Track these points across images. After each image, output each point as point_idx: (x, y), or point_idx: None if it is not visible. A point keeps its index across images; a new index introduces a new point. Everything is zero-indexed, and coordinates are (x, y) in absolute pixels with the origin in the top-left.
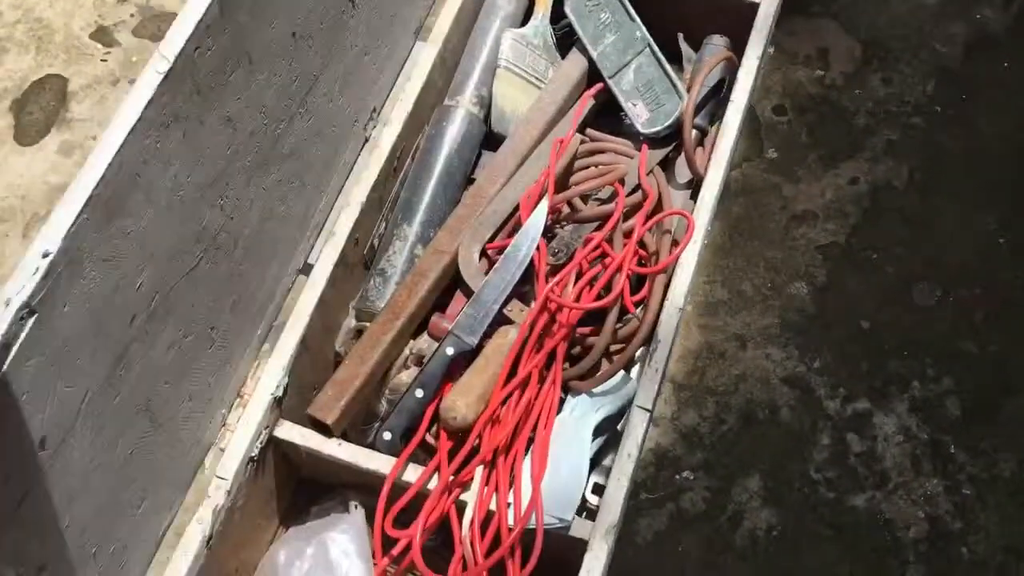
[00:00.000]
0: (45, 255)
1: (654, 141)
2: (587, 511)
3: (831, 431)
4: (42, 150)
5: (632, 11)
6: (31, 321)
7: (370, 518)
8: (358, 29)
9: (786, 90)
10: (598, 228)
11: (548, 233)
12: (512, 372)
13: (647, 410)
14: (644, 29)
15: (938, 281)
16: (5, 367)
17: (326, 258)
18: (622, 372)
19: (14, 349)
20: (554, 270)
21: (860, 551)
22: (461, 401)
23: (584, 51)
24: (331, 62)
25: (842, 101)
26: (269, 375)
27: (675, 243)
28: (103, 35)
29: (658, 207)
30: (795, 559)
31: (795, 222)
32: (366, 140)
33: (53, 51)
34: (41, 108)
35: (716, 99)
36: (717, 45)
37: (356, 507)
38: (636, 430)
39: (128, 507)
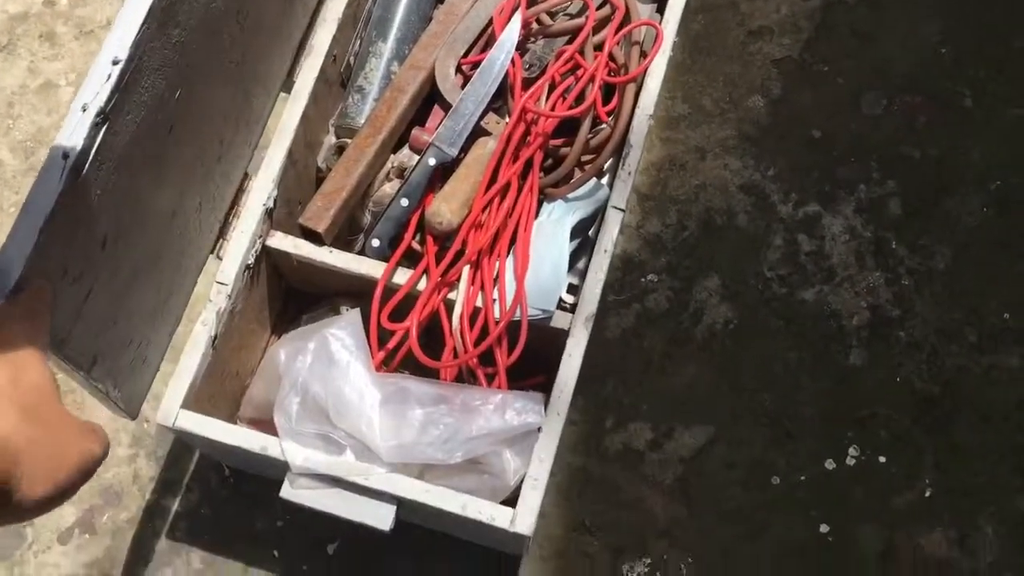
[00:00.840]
0: (115, 62)
1: None
2: (564, 308)
3: (784, 233)
4: None
5: None
6: (104, 128)
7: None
8: None
9: None
10: (569, 42)
11: (520, 48)
12: (492, 180)
13: (621, 209)
14: None
15: (884, 90)
16: (85, 171)
17: (307, 73)
18: (594, 179)
19: (91, 154)
20: (528, 83)
21: (808, 339)
22: (446, 207)
23: None
24: None
25: None
26: (260, 187)
27: (644, 54)
28: None
29: (626, 19)
30: (750, 348)
31: (752, 37)
32: None
33: None
34: None
35: None
36: None
37: (348, 310)
38: (611, 228)
39: (157, 303)
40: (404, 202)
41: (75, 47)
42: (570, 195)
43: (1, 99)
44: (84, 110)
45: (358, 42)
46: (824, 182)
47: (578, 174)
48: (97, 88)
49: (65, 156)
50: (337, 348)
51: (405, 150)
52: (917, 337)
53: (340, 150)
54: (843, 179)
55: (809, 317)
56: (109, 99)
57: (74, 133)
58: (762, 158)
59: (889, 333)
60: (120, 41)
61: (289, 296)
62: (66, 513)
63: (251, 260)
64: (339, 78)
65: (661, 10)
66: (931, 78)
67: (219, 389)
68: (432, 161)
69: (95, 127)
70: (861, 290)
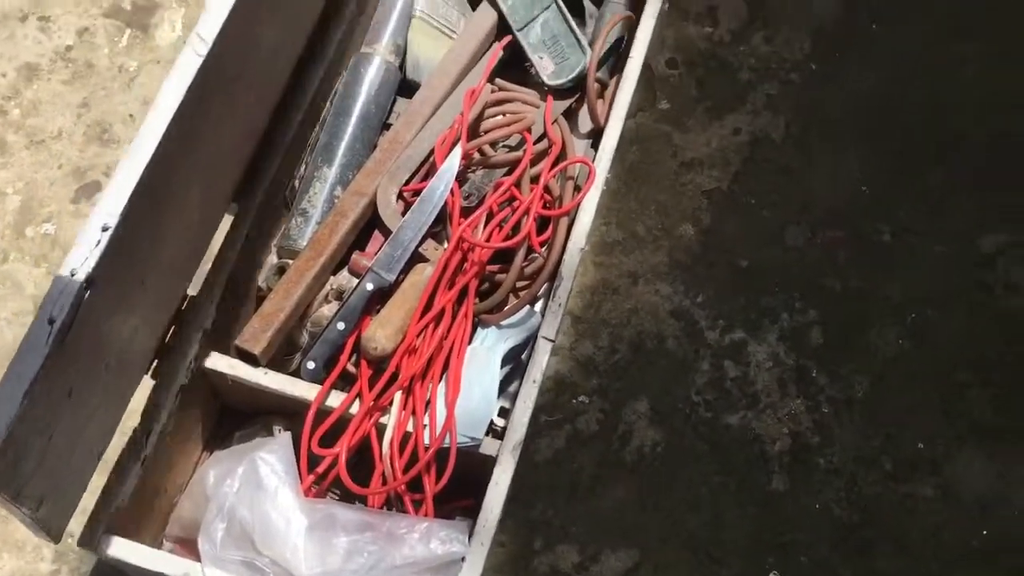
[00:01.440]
0: (104, 228)
1: (559, 92)
2: (494, 432)
3: (711, 358)
4: None
5: None
6: (88, 292)
7: (293, 443)
8: None
9: (678, 45)
10: (507, 173)
11: (460, 177)
12: (428, 306)
13: (550, 340)
14: None
15: (808, 224)
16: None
17: (252, 198)
18: (527, 306)
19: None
20: (466, 212)
21: (733, 463)
22: (381, 332)
23: (493, 4)
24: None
25: (728, 57)
26: (199, 310)
27: (577, 188)
28: None
29: (562, 155)
30: (677, 471)
31: (684, 168)
32: None
33: None
34: None
35: (616, 54)
36: (618, 3)
37: (280, 431)
38: (540, 358)
39: (97, 436)
40: (341, 325)
41: (25, 156)
42: (503, 322)
43: None
44: (73, 274)
45: (304, 166)
46: (750, 310)
47: (513, 300)
48: (86, 253)
49: (51, 320)
50: (266, 472)
51: (344, 273)
52: (836, 464)
53: (281, 271)
54: (768, 308)
55: (734, 442)
56: (98, 264)
57: (62, 296)
58: (692, 285)
59: (809, 459)
60: (110, 207)
61: (224, 413)
62: None
63: (185, 381)
64: (283, 200)
65: (596, 146)
66: (852, 214)
67: (146, 508)
68: (370, 286)
69: (83, 289)
70: (783, 416)
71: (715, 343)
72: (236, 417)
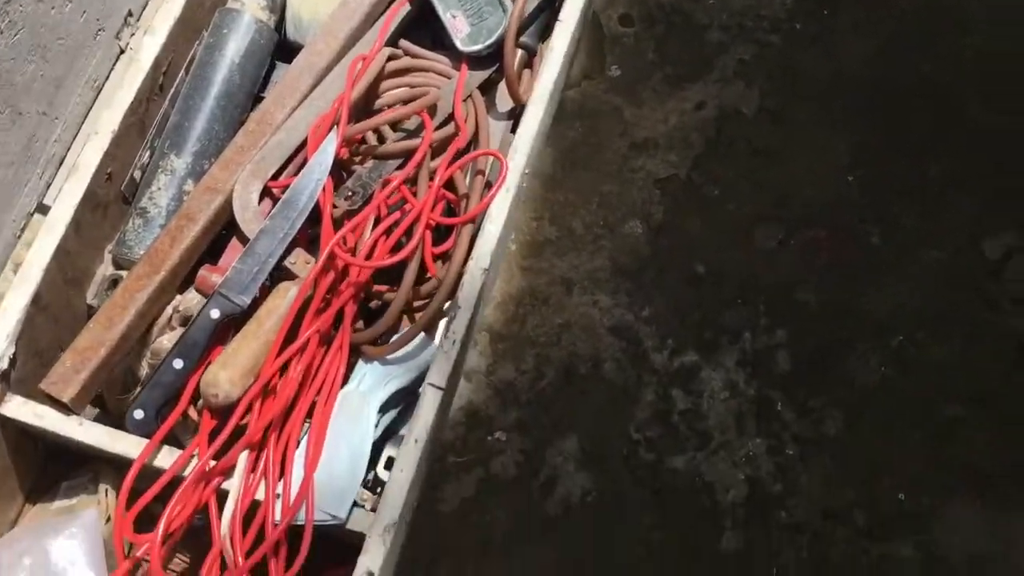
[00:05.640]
0: None
1: (476, 60)
2: (379, 484)
3: (656, 386)
4: None
5: None
6: None
7: None
8: None
9: None
10: (402, 166)
11: (344, 168)
12: (290, 337)
13: (439, 388)
14: None
15: (782, 222)
16: None
17: (67, 198)
18: (422, 334)
19: None
20: (349, 215)
21: (677, 516)
22: (224, 375)
23: None
24: None
25: (695, 12)
26: None
27: (489, 185)
28: None
29: (472, 143)
30: (609, 527)
31: (635, 151)
32: (121, 52)
33: None
34: None
35: (546, 13)
36: None
37: (108, 493)
38: (426, 412)
39: None
40: (178, 363)
41: None
42: (391, 355)
43: None
44: None
45: (147, 153)
46: (706, 327)
47: (404, 326)
48: None
49: None
50: (63, 564)
51: (191, 292)
52: (800, 518)
53: (116, 283)
54: (727, 325)
55: (679, 490)
56: None
57: None
58: (637, 295)
59: (768, 512)
60: None
61: (50, 456)
62: None
63: None
64: (120, 196)
65: (516, 130)
66: (837, 209)
67: None
68: (215, 314)
69: None
70: (739, 459)
71: (662, 368)
72: (63, 461)
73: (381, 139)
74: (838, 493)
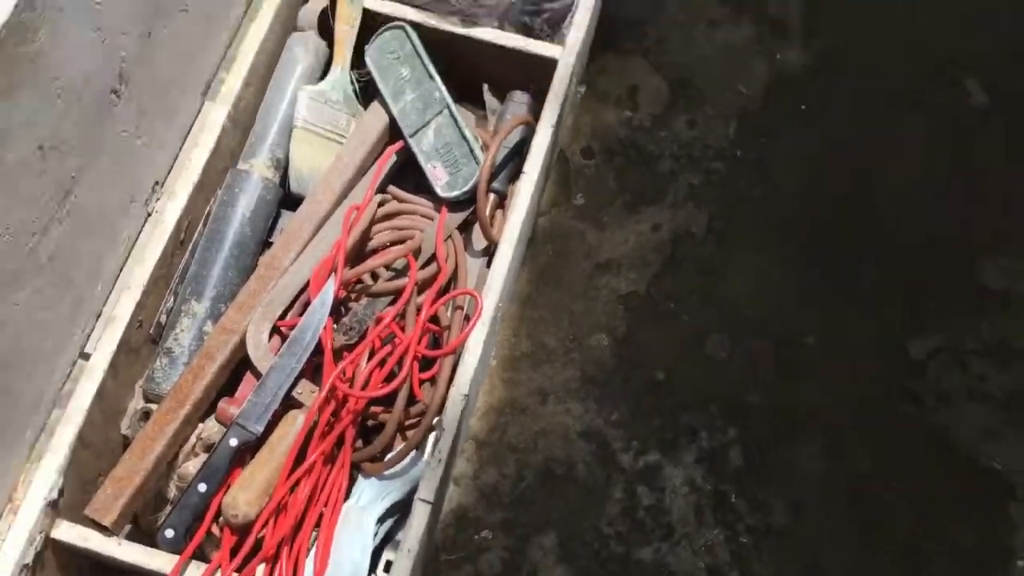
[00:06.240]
0: None
1: (455, 204)
2: None
3: (623, 484)
4: None
5: (432, 69)
6: None
7: None
8: (126, 115)
9: (595, 132)
10: (393, 303)
11: (342, 307)
12: (299, 460)
13: (428, 502)
14: (443, 89)
15: (729, 333)
16: None
17: (105, 347)
18: (413, 452)
19: None
20: (347, 349)
21: None
22: (242, 497)
23: (385, 106)
24: (94, 159)
25: (648, 145)
26: (42, 479)
27: (468, 318)
28: None
29: (452, 280)
30: None
31: (599, 271)
32: (148, 216)
33: None
34: None
35: (516, 160)
36: (519, 103)
37: None
38: (417, 525)
39: None
40: (202, 488)
41: None
42: (387, 471)
43: None
44: None
45: (171, 299)
46: (666, 429)
47: (398, 444)
48: None
49: None
50: None
51: (212, 421)
52: None
53: (146, 416)
54: (685, 426)
55: None
56: None
57: None
58: (604, 402)
59: None
60: None
61: (92, 569)
62: None
63: (29, 559)
64: (148, 338)
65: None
66: (776, 322)
67: None
68: (234, 442)
69: None
70: (699, 548)
71: (628, 467)
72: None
73: (374, 277)
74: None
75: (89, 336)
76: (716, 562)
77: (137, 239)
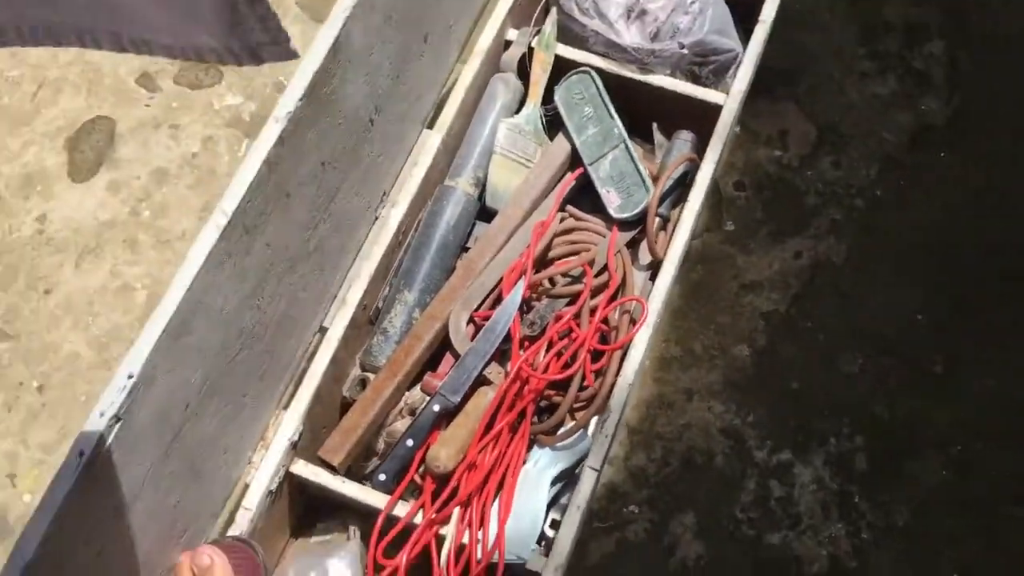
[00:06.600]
0: (129, 376)
1: (623, 224)
2: (545, 542)
3: (757, 477)
4: (92, 187)
5: (611, 109)
6: (116, 427)
7: (365, 538)
8: (374, 140)
9: (747, 167)
10: (570, 304)
11: (527, 305)
12: (488, 427)
13: (596, 470)
14: (621, 126)
15: (861, 351)
16: (97, 465)
17: (338, 323)
18: (581, 430)
19: (104, 448)
20: (530, 340)
21: None
22: (444, 451)
23: (568, 138)
24: (351, 173)
25: (795, 181)
26: (288, 423)
27: (632, 322)
28: (147, 81)
29: (621, 288)
30: None
31: (744, 290)
32: (375, 219)
33: (102, 93)
34: (91, 147)
35: (679, 189)
36: (684, 141)
37: (355, 532)
38: (585, 487)
39: (174, 536)
40: (409, 442)
41: (153, 255)
42: (557, 444)
43: (84, 298)
44: (101, 415)
45: (387, 288)
46: (798, 432)
47: (568, 422)
48: (113, 397)
49: (81, 454)
50: None
51: (417, 390)
52: None
53: (363, 383)
54: (816, 431)
55: (773, 560)
56: (122, 405)
57: (91, 434)
58: (744, 404)
59: None
60: (135, 359)
61: (308, 504)
62: None
63: (274, 486)
64: (367, 319)
65: (655, 277)
66: (906, 343)
67: None
68: (436, 408)
69: (109, 428)
70: (823, 539)
71: (762, 463)
72: (319, 509)
73: (552, 282)
74: (905, 571)
75: (327, 314)
76: (838, 552)
77: (366, 239)
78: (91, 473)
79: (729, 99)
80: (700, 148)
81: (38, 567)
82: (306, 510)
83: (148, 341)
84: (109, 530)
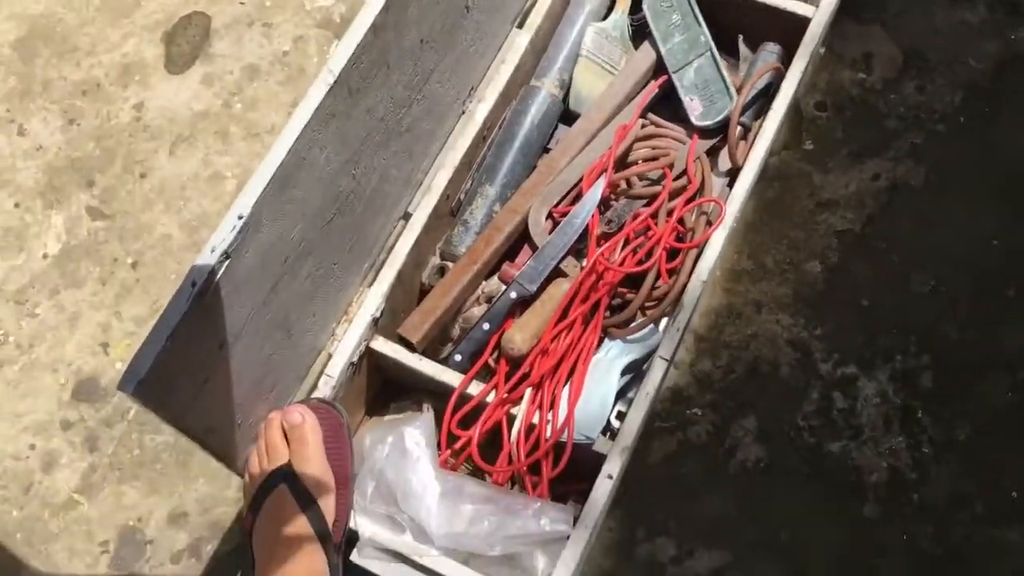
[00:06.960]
0: (240, 217)
1: (704, 132)
2: (610, 432)
3: (821, 388)
4: (187, 79)
5: (699, 16)
6: (226, 263)
7: (437, 419)
8: (469, 28)
9: (830, 88)
10: (647, 204)
11: (605, 204)
12: (562, 316)
13: (666, 360)
14: (708, 34)
15: (934, 272)
16: (208, 296)
17: (422, 210)
18: (651, 325)
19: (214, 282)
20: (606, 236)
21: (829, 487)
22: (519, 335)
23: (654, 46)
24: (445, 56)
25: (878, 104)
26: (370, 300)
27: (709, 223)
28: None
29: (699, 191)
30: (775, 487)
31: (819, 208)
32: (463, 113)
33: None
34: (187, 41)
35: (762, 100)
36: (771, 52)
37: (428, 408)
38: (655, 374)
39: (264, 391)
40: (486, 326)
41: (242, 146)
42: (628, 337)
43: (177, 183)
44: (213, 250)
45: (470, 182)
46: (865, 348)
47: (639, 318)
48: (224, 235)
49: (193, 284)
50: (411, 444)
51: (494, 279)
52: (929, 502)
53: (441, 271)
54: (883, 347)
55: (833, 467)
56: (232, 243)
57: (203, 267)
58: (812, 318)
59: (904, 493)
60: (246, 201)
61: (384, 384)
62: (180, 539)
63: (355, 359)
64: (450, 210)
65: (732, 184)
66: (980, 266)
67: None
68: (513, 295)
69: (220, 263)
70: (884, 451)
71: (827, 375)
72: (393, 389)
73: (630, 184)
74: (962, 486)
75: (412, 200)
76: (898, 464)
77: (452, 132)
78: (202, 303)
79: (819, 12)
80: (785, 62)
81: (149, 385)
82: (383, 387)
83: (258, 186)
84: (213, 363)
